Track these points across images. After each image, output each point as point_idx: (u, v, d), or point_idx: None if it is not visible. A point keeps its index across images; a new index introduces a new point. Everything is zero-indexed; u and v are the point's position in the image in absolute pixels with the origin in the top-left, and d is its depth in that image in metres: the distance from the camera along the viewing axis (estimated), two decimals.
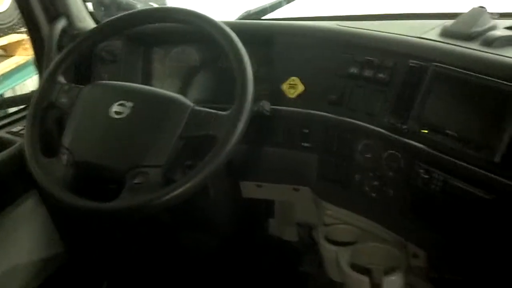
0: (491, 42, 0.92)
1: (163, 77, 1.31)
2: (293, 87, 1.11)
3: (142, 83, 1.28)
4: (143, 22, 1.14)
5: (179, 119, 0.96)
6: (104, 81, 1.19)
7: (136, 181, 0.91)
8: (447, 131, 0.87)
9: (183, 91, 1.26)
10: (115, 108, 1.00)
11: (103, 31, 1.14)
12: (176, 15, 1.07)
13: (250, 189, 1.29)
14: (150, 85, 1.27)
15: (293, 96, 1.11)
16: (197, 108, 0.98)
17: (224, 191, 1.27)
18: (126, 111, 0.99)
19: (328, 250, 1.14)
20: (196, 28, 1.04)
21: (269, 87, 1.13)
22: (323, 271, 1.24)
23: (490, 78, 0.84)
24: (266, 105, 1.07)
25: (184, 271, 1.54)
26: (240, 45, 0.99)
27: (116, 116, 0.99)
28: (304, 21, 1.27)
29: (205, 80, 1.27)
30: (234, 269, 1.53)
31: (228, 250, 1.52)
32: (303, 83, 1.11)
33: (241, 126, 0.91)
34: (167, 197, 0.87)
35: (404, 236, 1.05)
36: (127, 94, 1.02)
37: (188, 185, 0.88)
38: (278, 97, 1.12)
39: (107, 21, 1.15)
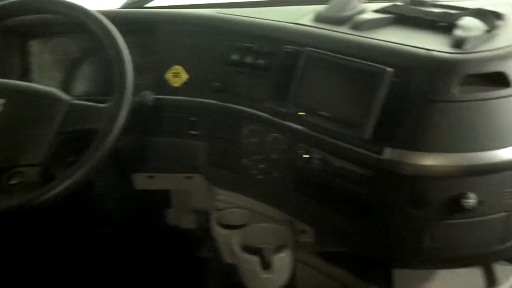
0: (360, 25, 0.97)
1: (42, 70, 1.25)
2: (177, 75, 1.11)
3: (19, 78, 1.21)
4: (17, 14, 1.09)
5: (56, 114, 0.93)
6: None
7: (12, 182, 0.87)
8: (322, 112, 0.92)
9: (64, 85, 1.21)
10: None
11: None
12: (51, 6, 1.03)
13: (142, 181, 1.28)
14: (29, 80, 1.21)
15: (178, 85, 1.12)
16: (75, 101, 0.95)
17: (112, 184, 1.25)
18: None
19: (220, 234, 1.16)
20: (72, 19, 1.01)
21: (153, 76, 1.13)
22: (220, 255, 1.27)
23: (358, 59, 0.89)
24: (148, 95, 1.06)
25: (82, 266, 1.50)
26: (117, 35, 0.98)
27: None
28: (186, 9, 1.27)
29: (87, 72, 1.23)
30: (133, 260, 1.51)
31: (126, 242, 1.50)
32: (187, 71, 1.12)
33: (121, 118, 0.90)
34: (45, 196, 0.84)
35: (291, 214, 1.10)
36: None
37: (67, 182, 0.85)
38: (163, 86, 1.12)
39: None
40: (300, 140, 0.98)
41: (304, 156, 0.97)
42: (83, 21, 1.00)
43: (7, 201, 0.85)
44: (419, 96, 0.83)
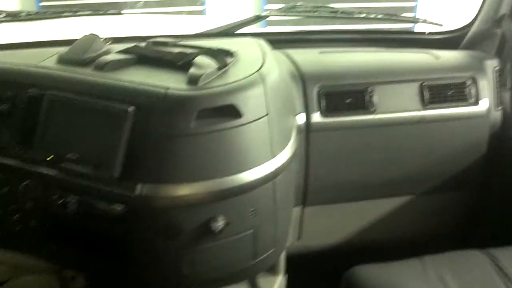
0: (103, 66, 0.99)
1: None
2: None
3: None
4: None
5: None
6: None
7: None
8: (70, 155, 0.91)
9: None
10: None
11: None
12: None
13: None
14: None
15: None
16: None
17: None
18: None
19: None
20: None
21: None
22: None
23: (101, 100, 0.91)
24: None
25: None
26: None
27: None
28: None
29: None
30: None
31: None
32: None
33: None
34: None
35: (56, 261, 1.06)
36: None
37: None
38: None
39: None
40: (53, 186, 0.95)
41: (59, 201, 0.95)
42: None
43: None
44: (160, 132, 0.89)
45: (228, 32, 1.41)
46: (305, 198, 1.26)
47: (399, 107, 1.27)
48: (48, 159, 0.92)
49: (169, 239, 0.90)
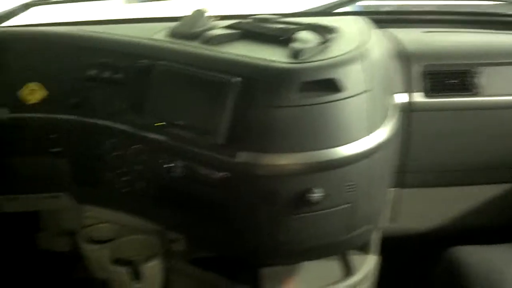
0: (209, 40, 1.04)
1: None
2: (33, 93, 1.10)
3: None
4: None
5: None
6: None
7: None
8: (178, 122, 0.97)
9: None
10: None
11: None
12: None
13: (6, 203, 1.23)
14: None
15: (34, 102, 1.10)
16: None
17: None
18: None
19: (88, 250, 1.16)
20: None
21: (6, 95, 1.10)
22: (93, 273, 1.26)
23: (208, 71, 0.95)
24: (3, 113, 1.03)
25: None
26: None
27: None
28: (39, 27, 1.26)
29: None
30: None
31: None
32: (44, 88, 1.11)
33: None
34: None
35: (160, 223, 1.13)
36: None
37: None
38: (18, 104, 1.10)
39: None
40: (161, 150, 1.01)
41: (166, 165, 1.01)
42: None
43: None
44: (263, 103, 0.91)
45: (329, 11, 1.42)
46: (403, 179, 1.24)
47: (504, 90, 1.21)
48: (157, 125, 0.99)
49: (267, 206, 0.94)
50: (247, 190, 0.95)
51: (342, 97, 0.93)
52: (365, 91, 0.95)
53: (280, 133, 0.92)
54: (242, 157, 0.92)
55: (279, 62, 0.93)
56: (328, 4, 1.42)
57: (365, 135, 0.95)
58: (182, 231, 1.12)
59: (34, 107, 1.10)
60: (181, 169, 1.00)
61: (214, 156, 0.95)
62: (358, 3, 1.49)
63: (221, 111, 0.92)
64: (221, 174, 0.95)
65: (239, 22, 1.10)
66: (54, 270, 1.49)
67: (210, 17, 1.12)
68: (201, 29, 1.08)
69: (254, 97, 0.92)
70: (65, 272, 1.49)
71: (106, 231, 1.17)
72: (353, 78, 0.94)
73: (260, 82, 0.92)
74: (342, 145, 0.94)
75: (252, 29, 1.08)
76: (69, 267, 1.48)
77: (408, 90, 1.18)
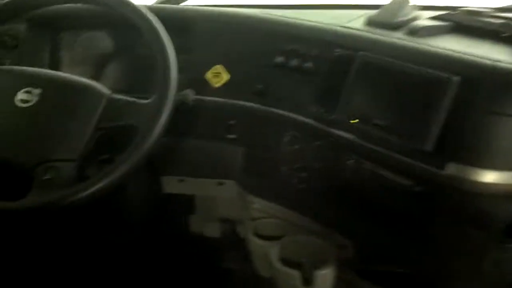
0: (416, 31, 0.92)
1: (73, 65, 1.21)
2: (218, 76, 1.06)
3: None
4: (51, 2, 1.05)
5: (94, 107, 0.88)
6: (7, 66, 1.07)
7: (45, 177, 0.82)
8: (376, 121, 0.86)
9: (95, 80, 1.17)
10: (20, 95, 0.90)
11: (2, 13, 1.03)
12: None
13: (172, 184, 1.22)
14: None
15: (218, 85, 1.06)
16: (115, 96, 0.90)
17: (144, 186, 1.20)
18: (33, 98, 0.89)
19: (257, 245, 1.10)
20: (113, 12, 0.97)
21: (191, 76, 1.07)
22: (248, 266, 1.21)
23: (417, 66, 0.84)
24: (190, 94, 1.01)
25: (99, 269, 1.44)
26: (162, 29, 0.93)
27: (22, 105, 0.89)
28: (227, 7, 1.22)
29: (120, 68, 1.18)
30: (153, 268, 1.45)
31: (146, 248, 1.44)
32: (228, 72, 1.06)
33: (165, 115, 0.85)
34: (84, 194, 0.79)
35: (332, 226, 1.04)
36: (34, 80, 0.92)
37: (106, 181, 0.80)
38: (202, 86, 1.07)
39: (7, 1, 1.03)
40: (348, 150, 0.92)
41: (352, 166, 0.92)
42: (125, 14, 0.95)
43: (42, 197, 0.80)
44: (484, 109, 0.78)
45: None
46: None
47: None
48: (353, 122, 0.89)
49: (476, 229, 0.81)
50: (450, 207, 0.83)
51: None
52: None
53: (501, 146, 0.78)
54: (451, 169, 0.79)
55: (507, 62, 0.79)
56: None
57: None
58: (357, 237, 1.02)
59: (216, 91, 1.07)
60: (369, 172, 0.90)
61: (415, 164, 0.83)
62: None
63: (434, 113, 0.80)
64: (421, 184, 0.84)
65: (448, 14, 0.97)
66: (202, 255, 1.48)
67: (413, 6, 1.00)
68: (404, 18, 0.97)
69: (474, 101, 0.78)
70: (213, 259, 1.47)
71: (274, 227, 1.11)
72: None
73: (483, 84, 0.78)
74: None
75: (465, 22, 0.94)
76: (218, 254, 1.46)
77: None
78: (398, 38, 0.92)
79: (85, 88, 0.91)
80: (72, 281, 1.41)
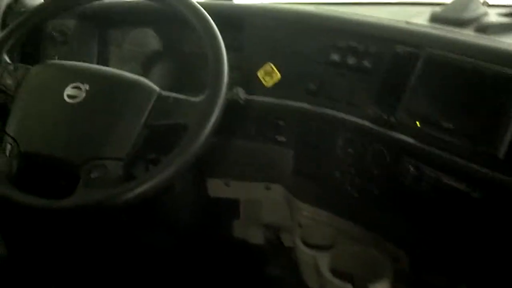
0: (485, 28, 0.86)
1: (121, 61, 1.19)
2: (269, 74, 1.02)
3: None
4: None
5: (144, 105, 0.85)
6: (56, 61, 1.05)
7: (92, 175, 0.79)
8: (442, 123, 0.80)
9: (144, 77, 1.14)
10: (68, 91, 0.87)
11: (51, 7, 1.02)
12: None
13: (218, 187, 1.18)
14: None
15: (269, 84, 1.02)
16: (165, 93, 0.87)
17: (189, 188, 1.16)
18: (81, 94, 0.87)
19: (306, 254, 1.05)
20: (166, 7, 0.94)
21: (242, 74, 1.03)
22: (295, 275, 1.16)
23: (489, 64, 0.77)
24: (241, 93, 0.97)
25: (140, 272, 1.42)
26: (215, 27, 0.90)
27: (70, 101, 0.87)
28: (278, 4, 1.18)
29: (168, 65, 1.15)
30: (195, 272, 1.41)
31: (189, 252, 1.41)
32: (279, 70, 1.02)
33: (215, 114, 0.81)
34: (131, 194, 0.75)
35: (386, 236, 0.97)
36: (83, 75, 0.90)
37: (155, 180, 0.76)
38: (252, 85, 1.02)
39: None
40: (409, 155, 0.86)
41: (413, 173, 0.85)
42: (178, 9, 0.92)
43: (88, 196, 0.77)
44: None
45: None
46: None
47: None
48: (413, 124, 0.83)
49: None
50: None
51: None
52: None
53: None
54: None
55: None
56: None
57: None
58: (412, 248, 0.95)
59: (267, 90, 1.02)
60: (432, 179, 0.83)
61: (484, 171, 0.76)
62: None
63: (506, 115, 0.73)
64: (488, 194, 0.77)
65: None
66: (246, 262, 1.44)
67: (482, 3, 0.93)
68: (472, 15, 0.90)
69: None
70: (257, 266, 1.42)
71: (324, 236, 1.05)
72: None
73: None
74: None
75: None
76: (262, 262, 1.41)
77: None
78: (467, 35, 0.85)
79: (135, 85, 0.88)
80: (115, 281, 1.39)
